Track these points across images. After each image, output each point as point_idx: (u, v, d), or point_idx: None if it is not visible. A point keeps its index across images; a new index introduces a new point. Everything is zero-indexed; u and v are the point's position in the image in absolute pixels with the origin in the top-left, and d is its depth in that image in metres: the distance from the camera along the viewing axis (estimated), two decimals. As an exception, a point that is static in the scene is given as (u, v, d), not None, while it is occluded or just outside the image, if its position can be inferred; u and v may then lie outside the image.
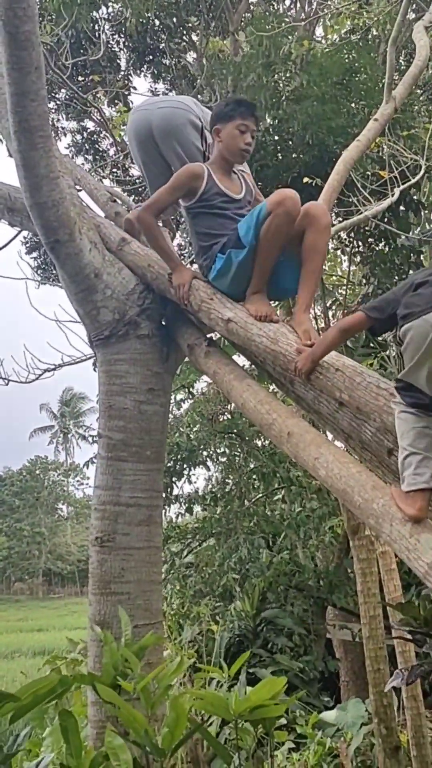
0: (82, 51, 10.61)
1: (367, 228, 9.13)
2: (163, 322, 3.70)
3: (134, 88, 12.98)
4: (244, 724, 2.47)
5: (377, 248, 9.80)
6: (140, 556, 3.45)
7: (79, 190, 4.43)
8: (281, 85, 9.46)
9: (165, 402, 3.72)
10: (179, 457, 9.48)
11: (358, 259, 10.46)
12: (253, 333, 3.05)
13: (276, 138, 9.25)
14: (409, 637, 3.28)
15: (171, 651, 8.09)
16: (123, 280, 3.63)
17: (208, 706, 2.47)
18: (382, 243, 9.71)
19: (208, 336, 3.47)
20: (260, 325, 3.06)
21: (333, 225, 5.01)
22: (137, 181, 11.66)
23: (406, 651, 4.26)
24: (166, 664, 2.64)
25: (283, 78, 9.44)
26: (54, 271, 11.54)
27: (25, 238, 13.31)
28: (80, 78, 11.55)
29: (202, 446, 9.64)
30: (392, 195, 6.10)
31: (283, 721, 6.39)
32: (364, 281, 10.43)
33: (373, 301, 2.48)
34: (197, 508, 10.62)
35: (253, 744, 2.56)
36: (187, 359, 3.81)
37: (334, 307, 10.94)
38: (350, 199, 6.46)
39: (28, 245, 13.21)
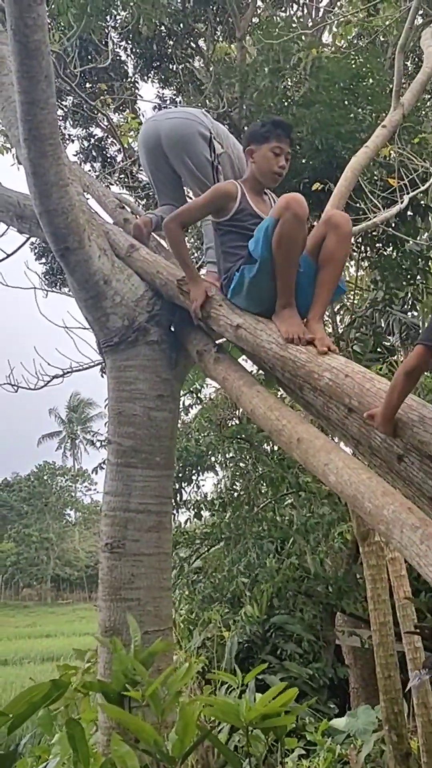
0: (89, 58, 10.67)
1: (375, 233, 9.12)
2: (172, 329, 3.71)
3: (140, 96, 13.00)
4: (254, 731, 2.47)
5: (385, 253, 9.79)
6: (150, 563, 3.44)
7: (88, 198, 4.45)
8: (289, 91, 9.47)
9: (174, 408, 3.72)
10: (188, 462, 9.47)
11: (366, 264, 10.45)
12: (263, 339, 3.06)
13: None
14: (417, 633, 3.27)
15: (180, 657, 8.08)
16: (132, 287, 3.64)
17: (219, 713, 2.46)
18: (390, 248, 9.70)
19: (217, 342, 3.47)
20: (269, 331, 3.06)
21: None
22: (146, 186, 11.69)
23: (416, 657, 4.24)
24: (174, 670, 2.63)
25: (291, 84, 9.46)
26: (61, 277, 11.58)
27: (33, 243, 13.35)
28: (88, 85, 11.60)
29: (210, 452, 9.64)
30: (401, 202, 6.09)
31: (293, 727, 6.39)
32: (372, 287, 10.41)
33: (427, 331, 2.44)
34: (206, 514, 10.61)
35: (264, 751, 2.56)
36: (195, 365, 3.81)
37: (342, 312, 10.94)
38: (359, 206, 6.46)
39: (37, 251, 13.25)
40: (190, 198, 4.49)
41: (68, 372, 6.67)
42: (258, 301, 3.19)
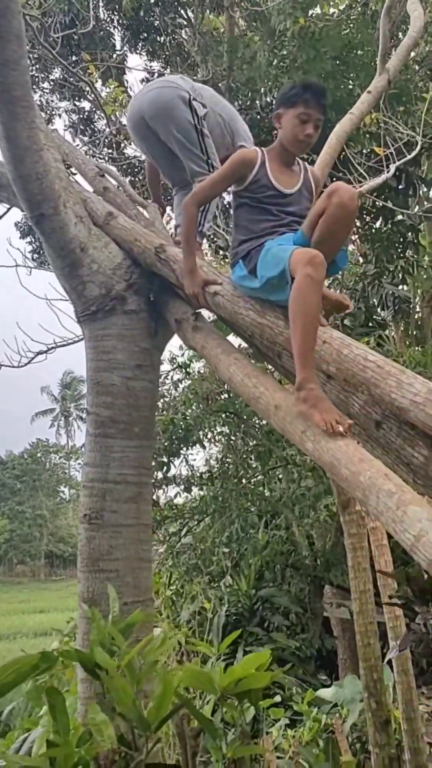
0: (75, 26, 10.49)
1: (365, 205, 9.05)
2: (151, 297, 3.65)
3: (129, 69, 12.82)
4: (231, 699, 2.45)
5: (376, 226, 9.73)
6: (129, 534, 3.42)
7: (68, 166, 4.38)
8: (279, 60, 9.36)
9: (154, 378, 3.68)
10: (174, 436, 9.46)
11: (356, 237, 10.39)
12: (240, 306, 3.01)
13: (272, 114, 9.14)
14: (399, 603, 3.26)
15: (167, 630, 8.11)
16: (110, 255, 3.58)
17: (194, 681, 2.45)
18: (380, 221, 9.65)
19: (197, 311, 3.42)
20: (246, 298, 3.02)
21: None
22: (133, 161, 11.57)
23: (396, 626, 4.25)
24: (151, 640, 2.62)
25: (280, 54, 9.34)
26: (48, 254, 11.44)
27: (18, 222, 13.24)
28: (74, 58, 11.43)
29: (198, 426, 9.62)
30: (387, 171, 6.02)
31: (280, 698, 6.44)
32: (362, 260, 10.36)
33: None
34: (196, 489, 10.62)
35: (246, 720, 2.55)
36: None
37: (333, 286, 10.89)
38: (346, 176, 6.38)
39: (22, 229, 13.14)
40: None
41: (52, 348, 6.61)
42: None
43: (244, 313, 2.99)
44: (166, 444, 9.47)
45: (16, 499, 58.94)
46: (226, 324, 3.47)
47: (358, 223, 9.84)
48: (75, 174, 4.58)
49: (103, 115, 12.28)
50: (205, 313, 3.48)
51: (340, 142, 4.68)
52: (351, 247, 11.13)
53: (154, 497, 10.14)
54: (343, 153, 6.19)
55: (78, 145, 12.77)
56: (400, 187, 8.89)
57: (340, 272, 10.39)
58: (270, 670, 7.32)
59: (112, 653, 2.71)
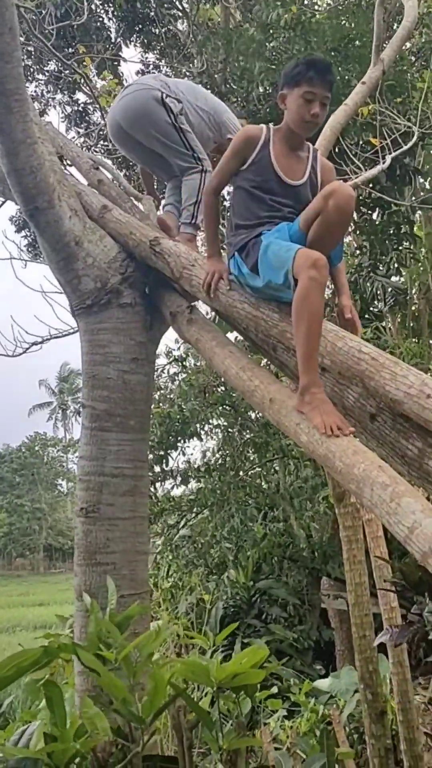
0: (70, 18, 10.43)
1: (360, 196, 9.03)
2: (147, 291, 3.65)
3: (124, 60, 12.76)
4: (227, 691, 2.46)
5: (371, 218, 9.71)
6: (125, 527, 3.43)
7: (62, 158, 4.37)
8: (274, 52, 9.31)
9: (149, 371, 3.68)
10: (171, 429, 9.46)
11: (351, 229, 10.36)
12: (235, 298, 3.01)
13: (269, 105, 9.13)
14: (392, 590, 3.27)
15: (165, 621, 8.14)
16: (105, 248, 3.58)
17: (190, 673, 2.45)
18: (376, 212, 9.62)
19: (191, 304, 3.42)
20: (241, 291, 3.01)
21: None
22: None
23: (392, 617, 4.27)
24: (148, 633, 2.62)
25: (276, 44, 9.29)
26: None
27: (13, 216, 13.21)
28: (70, 50, 11.37)
29: (194, 418, 9.62)
30: (383, 162, 6.01)
31: (277, 689, 6.47)
32: (358, 252, 10.34)
33: None
34: (192, 481, 10.63)
35: (243, 711, 2.56)
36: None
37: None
38: (342, 168, 6.37)
39: (17, 223, 13.10)
40: None
41: (47, 339, 6.62)
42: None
43: (239, 306, 2.99)
44: (163, 437, 9.48)
45: (14, 493, 58.96)
46: (221, 316, 3.47)
47: (354, 216, 9.82)
48: (69, 167, 4.57)
49: (97, 107, 12.26)
50: (201, 307, 3.49)
51: (334, 134, 4.66)
52: (348, 239, 11.11)
53: (151, 490, 10.15)
54: (339, 144, 6.19)
55: (72, 137, 12.74)
56: (395, 177, 8.87)
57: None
58: (268, 661, 7.35)
59: (108, 646, 2.72)
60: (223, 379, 9.91)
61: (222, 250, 3.35)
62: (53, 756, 2.40)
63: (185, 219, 4.00)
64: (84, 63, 7.98)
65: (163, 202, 4.43)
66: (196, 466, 10.46)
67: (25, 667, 2.48)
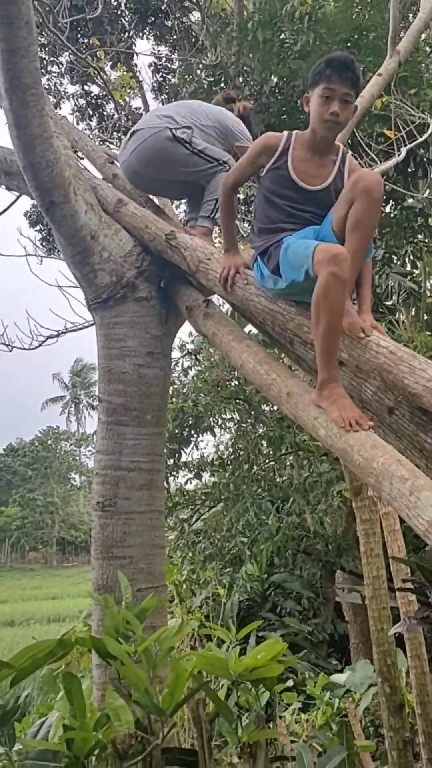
0: (84, 11, 10.43)
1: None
2: (162, 284, 3.65)
3: (136, 52, 12.73)
4: (244, 684, 2.47)
5: (385, 211, 9.66)
6: (142, 520, 3.44)
7: (76, 152, 4.37)
8: (287, 42, 9.26)
9: (165, 365, 3.68)
10: (185, 423, 9.46)
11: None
12: (251, 292, 3.01)
13: (281, 98, 9.09)
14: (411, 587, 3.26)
15: (179, 616, 8.17)
16: (120, 242, 3.58)
17: (208, 666, 2.46)
18: (391, 204, 9.57)
19: (208, 298, 3.41)
20: (257, 285, 3.00)
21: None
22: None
23: (409, 611, 4.26)
24: (168, 626, 2.64)
25: (289, 36, 9.24)
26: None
27: (27, 211, 13.23)
28: (83, 41, 11.36)
29: (208, 412, 9.61)
30: (398, 154, 5.98)
31: (293, 683, 6.47)
32: (373, 245, 10.28)
33: None
34: (206, 475, 10.63)
35: (259, 704, 2.56)
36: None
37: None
38: (357, 161, 6.33)
39: (31, 218, 13.12)
40: None
41: (62, 332, 6.64)
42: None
43: (255, 299, 2.98)
44: (176, 431, 9.48)
45: (27, 487, 59.22)
46: (238, 311, 3.46)
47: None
48: (81, 159, 4.56)
49: (110, 99, 12.24)
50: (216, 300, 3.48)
51: (350, 127, 4.64)
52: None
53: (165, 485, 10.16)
54: (353, 137, 6.15)
55: (84, 129, 12.74)
56: (410, 170, 8.81)
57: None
58: (283, 655, 7.33)
59: (127, 639, 2.73)
60: (237, 373, 9.92)
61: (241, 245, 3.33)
62: (73, 747, 2.41)
63: (204, 212, 3.95)
64: (98, 56, 7.94)
65: (184, 218, 4.38)
66: (209, 460, 10.46)
67: (41, 659, 2.49)
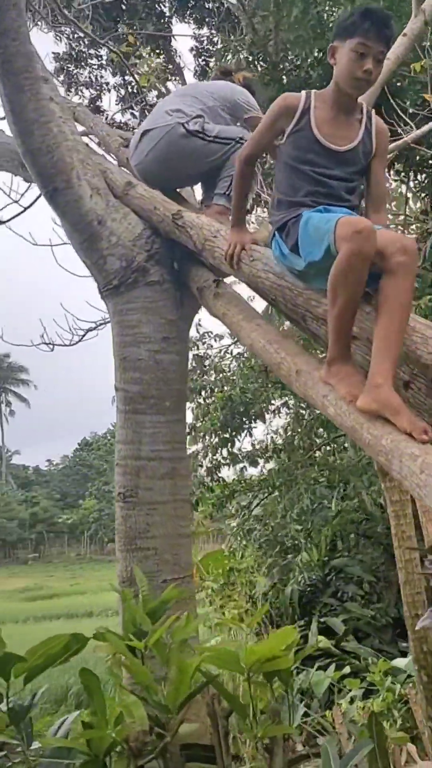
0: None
1: (419, 156, 8.64)
2: (175, 267, 3.53)
3: (164, 37, 12.64)
4: (256, 676, 2.36)
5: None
6: (165, 510, 3.35)
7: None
8: (325, 16, 9.02)
9: (182, 350, 3.57)
10: (236, 411, 9.35)
11: (409, 191, 9.95)
12: (258, 269, 2.87)
13: (321, 73, 8.85)
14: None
15: (242, 605, 8.14)
16: (129, 226, 3.48)
17: (218, 661, 2.36)
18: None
19: (218, 278, 3.28)
20: (265, 260, 2.86)
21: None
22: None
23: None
24: (176, 618, 2.54)
25: (327, 9, 9.00)
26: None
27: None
28: (119, 31, 11.33)
29: (257, 399, 9.48)
30: (438, 120, 5.71)
31: (348, 669, 6.34)
32: (422, 217, 9.94)
33: None
34: (261, 461, 10.52)
35: (273, 697, 2.45)
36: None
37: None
38: (392, 128, 6.08)
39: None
40: None
41: (101, 324, 6.57)
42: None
43: (263, 275, 2.85)
44: (227, 419, 9.38)
45: (102, 479, 60.14)
46: (252, 288, 3.32)
47: (415, 176, 9.45)
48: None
49: (149, 87, 12.17)
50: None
51: (376, 88, 4.41)
52: (414, 205, 10.69)
53: (219, 474, 10.13)
54: (388, 101, 5.89)
55: (130, 119, 12.75)
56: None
57: (398, 230, 10.00)
58: (346, 641, 7.13)
59: (144, 634, 2.66)
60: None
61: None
62: (92, 745, 2.36)
63: (220, 189, 3.76)
64: (129, 43, 7.86)
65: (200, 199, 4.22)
66: (263, 446, 10.34)
67: (56, 653, 2.45)
